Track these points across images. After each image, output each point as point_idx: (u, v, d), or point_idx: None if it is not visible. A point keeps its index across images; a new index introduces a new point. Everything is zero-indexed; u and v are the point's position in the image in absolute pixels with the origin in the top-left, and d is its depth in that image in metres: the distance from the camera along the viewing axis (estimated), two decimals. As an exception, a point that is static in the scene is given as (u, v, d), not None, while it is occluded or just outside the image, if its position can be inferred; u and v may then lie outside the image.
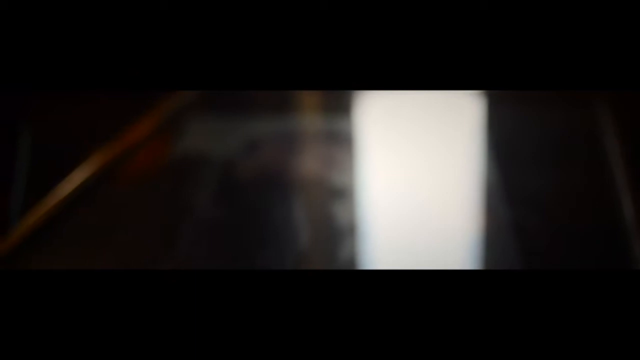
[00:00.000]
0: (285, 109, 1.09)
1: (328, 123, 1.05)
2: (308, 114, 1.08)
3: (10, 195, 0.82)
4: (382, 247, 0.76)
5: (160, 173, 0.92)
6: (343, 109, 1.08)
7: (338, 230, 0.79)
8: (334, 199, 0.85)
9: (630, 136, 0.87)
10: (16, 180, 0.83)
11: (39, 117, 0.92)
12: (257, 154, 0.95)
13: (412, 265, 0.71)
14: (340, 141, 0.99)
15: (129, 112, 0.97)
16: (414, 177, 0.90)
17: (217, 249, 0.76)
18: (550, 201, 0.82)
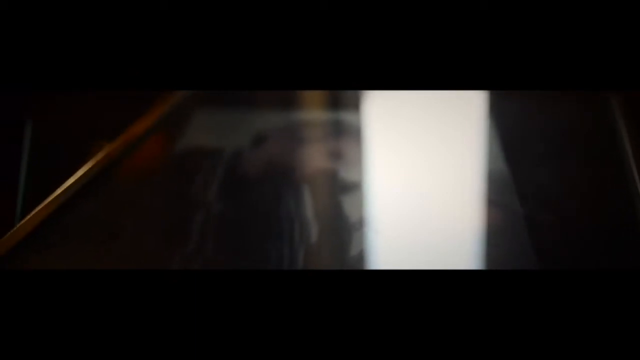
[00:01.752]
0: (292, 102, 1.08)
1: (335, 117, 1.05)
2: (315, 108, 1.08)
3: (15, 193, 0.82)
4: (391, 242, 0.76)
5: (165, 167, 0.92)
6: (351, 103, 1.08)
7: (346, 225, 0.78)
8: (341, 193, 0.84)
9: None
10: (20, 178, 0.83)
11: (42, 114, 0.91)
12: (263, 147, 0.95)
13: (420, 261, 0.71)
14: (348, 135, 0.99)
15: (133, 108, 0.96)
16: (423, 172, 0.89)
17: (224, 244, 0.76)
18: (562, 197, 0.81)
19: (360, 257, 0.73)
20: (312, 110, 1.08)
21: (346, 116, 1.05)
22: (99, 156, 0.87)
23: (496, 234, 0.76)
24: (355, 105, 1.08)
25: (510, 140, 0.93)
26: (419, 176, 0.88)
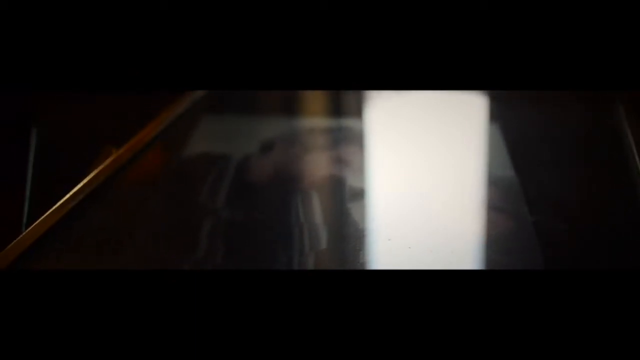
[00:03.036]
0: (296, 109, 1.09)
1: (339, 123, 1.05)
2: (319, 114, 1.08)
3: (23, 197, 0.82)
4: (398, 249, 0.76)
5: (172, 174, 0.92)
6: (354, 110, 1.08)
7: (354, 232, 0.78)
8: (349, 200, 0.84)
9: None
10: (27, 182, 0.83)
11: (48, 120, 0.92)
12: (268, 155, 0.95)
13: (427, 267, 0.71)
14: (353, 142, 0.99)
15: (140, 112, 0.97)
16: (429, 177, 0.89)
17: (233, 250, 0.75)
18: (569, 200, 0.81)
19: (369, 263, 0.73)
20: (316, 117, 1.08)
21: (350, 122, 1.05)
22: (106, 163, 0.87)
23: (504, 240, 0.76)
24: (358, 111, 1.08)
25: (517, 145, 0.93)
26: (426, 182, 0.88)
